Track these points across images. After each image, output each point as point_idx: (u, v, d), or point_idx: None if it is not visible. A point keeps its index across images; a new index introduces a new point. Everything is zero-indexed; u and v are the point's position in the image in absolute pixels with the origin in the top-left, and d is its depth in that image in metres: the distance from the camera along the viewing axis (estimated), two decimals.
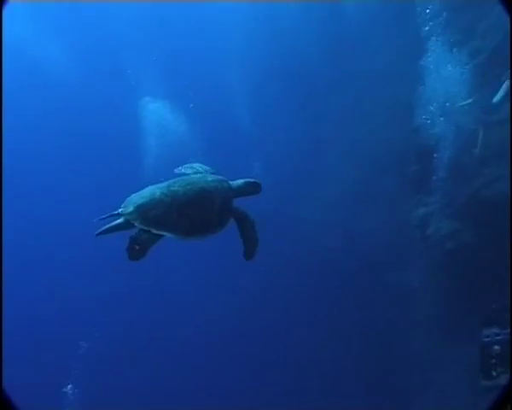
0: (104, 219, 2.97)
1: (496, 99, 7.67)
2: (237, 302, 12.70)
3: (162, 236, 2.93)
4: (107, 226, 2.96)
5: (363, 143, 12.18)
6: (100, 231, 2.95)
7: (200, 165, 3.45)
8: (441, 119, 9.38)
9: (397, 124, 11.03)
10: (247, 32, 13.08)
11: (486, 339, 4.99)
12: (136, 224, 2.84)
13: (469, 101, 7.69)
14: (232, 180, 3.40)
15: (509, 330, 4.94)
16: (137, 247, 2.86)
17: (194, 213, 2.96)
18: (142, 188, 3.12)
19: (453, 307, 9.17)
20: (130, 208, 2.86)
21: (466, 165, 9.08)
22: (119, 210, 2.92)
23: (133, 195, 3.03)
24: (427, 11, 9.16)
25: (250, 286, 12.33)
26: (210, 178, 3.23)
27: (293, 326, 12.07)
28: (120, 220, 2.92)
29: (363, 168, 12.12)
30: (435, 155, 9.61)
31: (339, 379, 10.62)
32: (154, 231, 2.86)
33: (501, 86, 7.60)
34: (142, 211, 2.85)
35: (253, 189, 3.43)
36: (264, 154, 12.33)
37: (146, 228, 2.84)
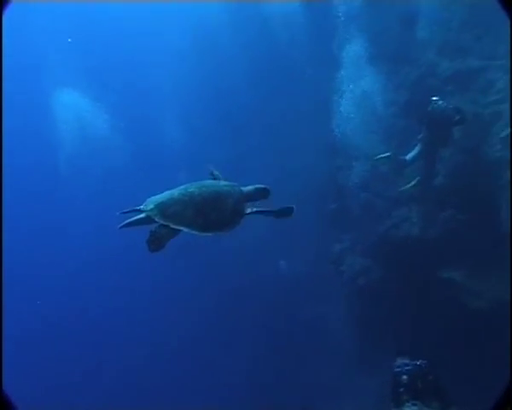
0: (126, 213, 3.25)
1: (409, 157, 8.15)
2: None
3: (179, 231, 3.19)
4: (130, 220, 3.23)
5: (287, 179, 12.61)
6: (123, 224, 3.23)
7: (217, 173, 3.78)
8: (359, 162, 10.12)
9: (320, 163, 11.62)
10: (178, 45, 13.12)
11: (397, 369, 5.27)
12: (156, 219, 3.13)
13: (387, 154, 8.21)
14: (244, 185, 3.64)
15: (417, 362, 5.27)
16: (157, 240, 3.12)
17: (209, 212, 3.24)
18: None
19: (368, 340, 9.59)
20: (151, 205, 3.17)
21: (379, 206, 9.76)
22: (141, 206, 3.21)
23: (152, 196, 3.32)
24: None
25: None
26: (223, 183, 3.55)
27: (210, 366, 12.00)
28: (142, 216, 3.20)
29: (284, 202, 12.44)
30: (352, 195, 10.26)
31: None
32: (172, 226, 3.13)
33: (416, 145, 8.15)
34: (162, 208, 3.16)
35: (262, 194, 3.71)
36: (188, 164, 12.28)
37: (165, 223, 3.12)
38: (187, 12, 13.27)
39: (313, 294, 11.84)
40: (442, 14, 9.63)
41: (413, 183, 8.28)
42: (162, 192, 3.41)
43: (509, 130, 7.45)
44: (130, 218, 3.27)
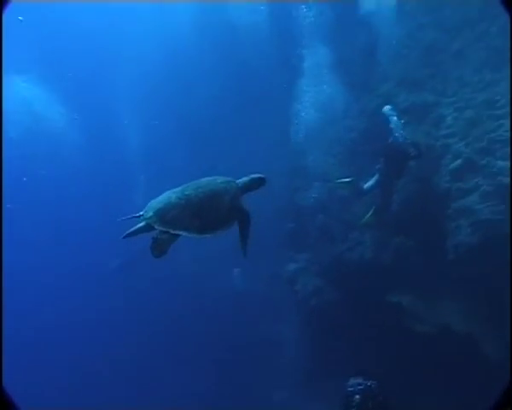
0: (126, 219, 3.33)
1: (367, 186, 8.43)
2: None
3: (179, 235, 3.26)
4: (132, 230, 3.29)
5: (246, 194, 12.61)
6: (126, 233, 3.28)
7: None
8: (317, 184, 10.33)
9: (280, 182, 11.73)
10: (142, 45, 12.95)
11: (350, 389, 5.32)
12: (156, 226, 3.18)
13: (348, 179, 8.41)
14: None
15: (370, 382, 5.34)
16: (159, 246, 3.24)
17: (206, 214, 3.27)
18: None
19: (318, 361, 9.64)
20: (150, 213, 3.21)
21: (335, 228, 9.95)
22: (141, 214, 3.27)
23: (152, 201, 3.34)
24: None
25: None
26: (219, 180, 3.54)
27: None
28: (142, 224, 3.25)
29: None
30: (309, 216, 10.42)
31: None
32: (172, 232, 3.20)
33: (374, 174, 8.44)
34: (161, 214, 3.18)
35: (258, 184, 3.74)
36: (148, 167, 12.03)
37: (165, 229, 3.19)
38: (152, 12, 13.19)
39: (268, 312, 11.86)
40: (402, 50, 10.19)
41: (370, 213, 8.51)
42: (160, 193, 3.45)
43: (457, 162, 7.91)
44: (132, 227, 3.33)
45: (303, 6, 10.23)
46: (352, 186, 8.40)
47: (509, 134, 7.35)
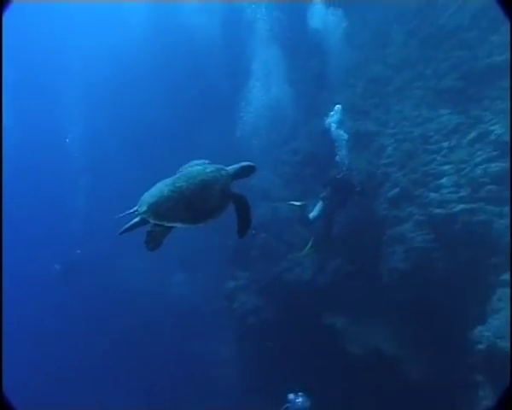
0: (122, 217, 3.41)
1: (312, 216, 8.51)
2: None
3: (173, 227, 3.30)
4: (127, 226, 3.38)
5: None
6: (122, 230, 3.38)
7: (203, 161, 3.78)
8: (263, 203, 10.37)
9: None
10: (88, 44, 12.61)
11: (288, 405, 5.31)
12: (150, 220, 3.24)
13: (298, 204, 8.39)
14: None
15: (306, 399, 5.38)
16: (153, 239, 3.26)
17: (198, 203, 3.35)
18: None
19: (258, 378, 9.51)
20: (144, 208, 3.26)
21: (276, 248, 9.99)
22: (135, 209, 3.32)
23: (145, 194, 3.40)
24: None
25: None
26: (209, 168, 3.57)
27: None
28: (137, 219, 3.35)
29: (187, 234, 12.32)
30: (252, 234, 10.37)
31: None
32: (166, 224, 3.26)
33: (318, 203, 8.55)
34: (154, 208, 3.24)
35: (248, 171, 3.78)
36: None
37: (159, 222, 3.24)
38: (101, 11, 12.94)
39: (206, 329, 11.68)
40: (349, 79, 10.62)
41: (309, 245, 8.55)
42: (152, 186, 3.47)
43: (395, 191, 8.28)
44: (127, 223, 3.41)
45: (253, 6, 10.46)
46: (301, 210, 8.46)
47: (441, 168, 7.86)
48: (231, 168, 3.69)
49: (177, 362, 11.35)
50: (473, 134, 7.77)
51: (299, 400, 5.37)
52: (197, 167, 3.61)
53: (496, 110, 7.73)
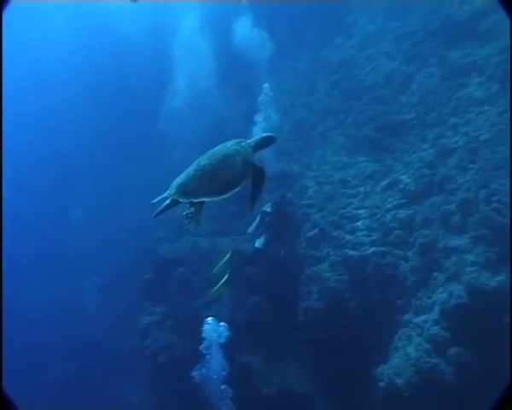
0: (157, 202, 3.56)
1: (250, 229, 8.52)
2: None
3: (204, 202, 3.52)
4: (161, 208, 3.58)
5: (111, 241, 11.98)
6: (157, 212, 3.59)
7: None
8: (184, 236, 10.13)
9: (143, 231, 11.25)
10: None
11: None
12: (180, 199, 3.48)
13: (226, 258, 8.06)
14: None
15: None
16: (191, 218, 3.50)
17: (222, 176, 3.56)
18: None
19: None
20: (173, 190, 3.50)
21: (194, 283, 9.71)
22: (166, 193, 3.53)
23: (175, 179, 3.59)
24: None
25: None
26: (230, 143, 3.75)
27: None
28: (168, 201, 3.55)
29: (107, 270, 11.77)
30: (169, 269, 10.04)
31: None
32: (195, 201, 3.48)
33: (255, 219, 8.54)
34: (182, 189, 3.49)
35: (268, 142, 3.94)
36: None
37: (188, 200, 3.48)
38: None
39: (116, 367, 10.90)
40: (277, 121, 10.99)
41: (221, 283, 8.26)
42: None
43: (314, 232, 8.51)
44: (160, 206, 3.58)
45: None
46: (235, 260, 8.10)
47: (357, 212, 8.28)
48: (252, 140, 3.89)
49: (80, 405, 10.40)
50: (385, 182, 8.36)
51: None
52: (220, 145, 3.83)
53: (404, 162, 8.45)
